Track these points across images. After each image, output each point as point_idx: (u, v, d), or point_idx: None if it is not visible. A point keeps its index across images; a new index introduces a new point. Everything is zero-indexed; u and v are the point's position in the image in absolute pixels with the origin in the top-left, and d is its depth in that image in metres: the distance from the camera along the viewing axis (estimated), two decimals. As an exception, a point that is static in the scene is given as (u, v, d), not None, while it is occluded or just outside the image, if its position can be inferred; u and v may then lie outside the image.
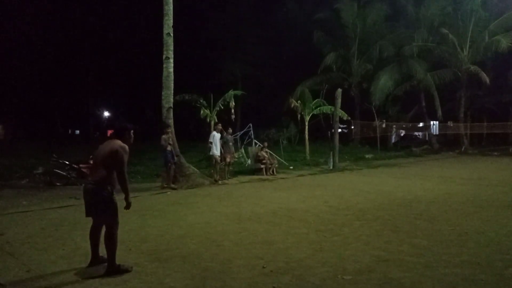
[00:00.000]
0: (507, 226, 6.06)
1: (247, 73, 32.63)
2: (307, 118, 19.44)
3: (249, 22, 31.87)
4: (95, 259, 4.45)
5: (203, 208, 7.86)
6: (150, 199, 9.06)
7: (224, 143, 12.42)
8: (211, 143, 12.01)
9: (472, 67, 25.74)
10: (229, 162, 12.90)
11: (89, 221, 4.42)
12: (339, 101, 17.40)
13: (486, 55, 26.55)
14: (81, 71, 35.57)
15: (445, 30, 25.54)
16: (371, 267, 4.33)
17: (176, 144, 11.57)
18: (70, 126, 45.85)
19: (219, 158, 12.17)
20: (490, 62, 29.11)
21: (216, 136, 12.15)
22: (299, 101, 19.48)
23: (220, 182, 11.87)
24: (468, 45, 26.47)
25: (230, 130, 13.28)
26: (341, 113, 18.39)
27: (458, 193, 9.35)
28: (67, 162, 11.78)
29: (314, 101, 19.64)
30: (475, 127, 31.63)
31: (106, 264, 4.26)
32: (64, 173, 11.40)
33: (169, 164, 10.69)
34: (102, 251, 4.36)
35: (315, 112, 19.64)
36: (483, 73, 25.17)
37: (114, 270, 4.20)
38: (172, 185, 10.67)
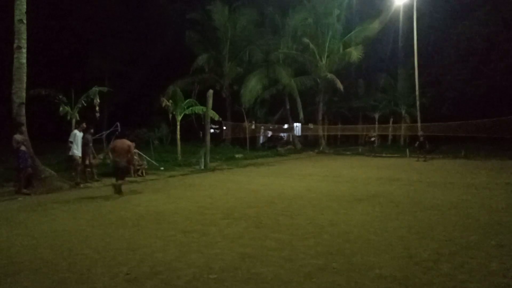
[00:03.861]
0: (355, 218, 6.84)
1: (116, 69, 30.89)
2: (179, 118, 19.24)
3: (118, 16, 30.20)
4: None
5: (61, 215, 7.18)
6: (-3, 207, 7.96)
7: (84, 143, 11.55)
8: (71, 142, 11.06)
9: (329, 75, 28.52)
10: (92, 164, 12.07)
11: None
12: (210, 101, 17.65)
13: (341, 65, 29.72)
14: None
15: (306, 40, 27.83)
16: (236, 264, 4.47)
17: (30, 144, 10.37)
18: None
19: (81, 159, 11.29)
20: (344, 71, 32.66)
21: (78, 135, 11.25)
22: (170, 101, 19.16)
23: (82, 185, 11.01)
24: (326, 55, 29.25)
25: (92, 130, 12.38)
26: (212, 113, 18.69)
27: (316, 189, 10.24)
28: None
29: (186, 101, 19.55)
30: (331, 129, 35.33)
31: None
32: None
33: (22, 167, 9.54)
34: None
35: (187, 112, 19.55)
36: (338, 80, 28.06)
37: None
38: (25, 190, 9.54)
